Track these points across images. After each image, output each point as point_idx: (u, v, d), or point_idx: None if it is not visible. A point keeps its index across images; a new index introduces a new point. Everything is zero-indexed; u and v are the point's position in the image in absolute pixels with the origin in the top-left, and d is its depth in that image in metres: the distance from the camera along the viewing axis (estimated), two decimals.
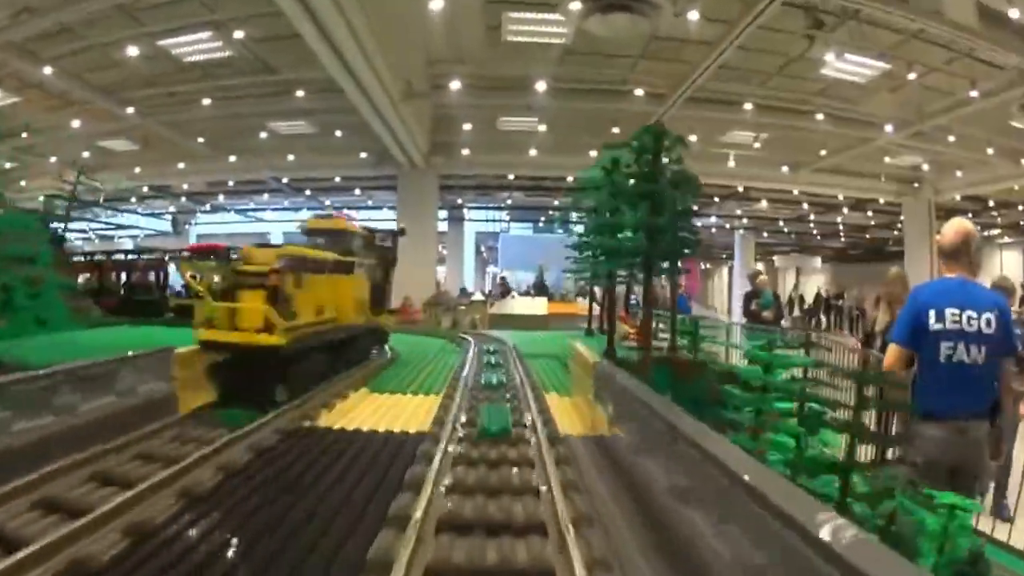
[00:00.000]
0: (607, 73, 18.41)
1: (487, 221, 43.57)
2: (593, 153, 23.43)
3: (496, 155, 24.97)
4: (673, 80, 18.07)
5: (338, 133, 22.95)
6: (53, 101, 19.79)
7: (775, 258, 51.55)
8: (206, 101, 19.68)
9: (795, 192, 30.54)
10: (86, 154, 25.23)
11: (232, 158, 25.93)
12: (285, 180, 30.80)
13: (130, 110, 20.16)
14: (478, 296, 16.25)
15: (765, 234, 45.05)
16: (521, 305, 13.56)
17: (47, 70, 16.83)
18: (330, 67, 14.92)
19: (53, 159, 25.74)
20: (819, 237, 46.37)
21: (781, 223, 41.87)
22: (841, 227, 41.64)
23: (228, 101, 19.95)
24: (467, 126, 22.33)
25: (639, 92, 18.51)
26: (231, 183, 31.76)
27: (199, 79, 18.51)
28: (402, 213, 25.28)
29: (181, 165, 26.78)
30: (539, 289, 29.97)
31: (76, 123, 21.29)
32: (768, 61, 17.25)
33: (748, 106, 19.61)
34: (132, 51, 16.04)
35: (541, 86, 18.32)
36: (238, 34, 15.48)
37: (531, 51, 16.62)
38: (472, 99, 19.35)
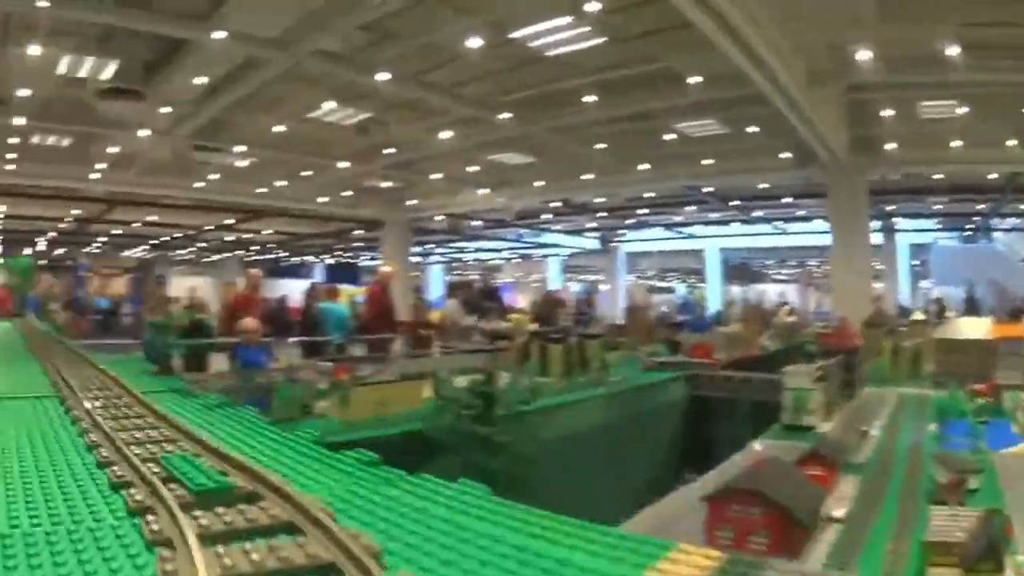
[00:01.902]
0: None
1: (918, 231, 39.18)
2: (1011, 143, 19.58)
3: (919, 150, 21.27)
4: None
5: (750, 130, 20.39)
6: (414, 113, 19.59)
7: None
8: (588, 99, 18.11)
9: None
10: (475, 169, 25.14)
11: (643, 167, 24.40)
12: (706, 190, 28.46)
13: (503, 116, 19.28)
14: (918, 316, 13.84)
15: None
16: (963, 327, 11.05)
17: (383, 76, 16.26)
18: (729, 51, 12.90)
19: (437, 176, 26.00)
20: None
21: None
22: None
23: (615, 99, 18.21)
24: (886, 112, 18.84)
25: None
26: (648, 195, 29.96)
27: (571, 75, 16.95)
28: (835, 224, 22.75)
29: (587, 177, 25.74)
30: (969, 306, 26.23)
31: (447, 135, 20.91)
32: None
33: None
34: (474, 43, 14.64)
35: (953, 51, 14.54)
36: (600, 12, 13.29)
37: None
38: (886, 78, 16.27)
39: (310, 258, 52.05)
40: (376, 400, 8.14)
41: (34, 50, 14.17)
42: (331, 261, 51.55)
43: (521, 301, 34.41)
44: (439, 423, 7.51)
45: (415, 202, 31.31)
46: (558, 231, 40.35)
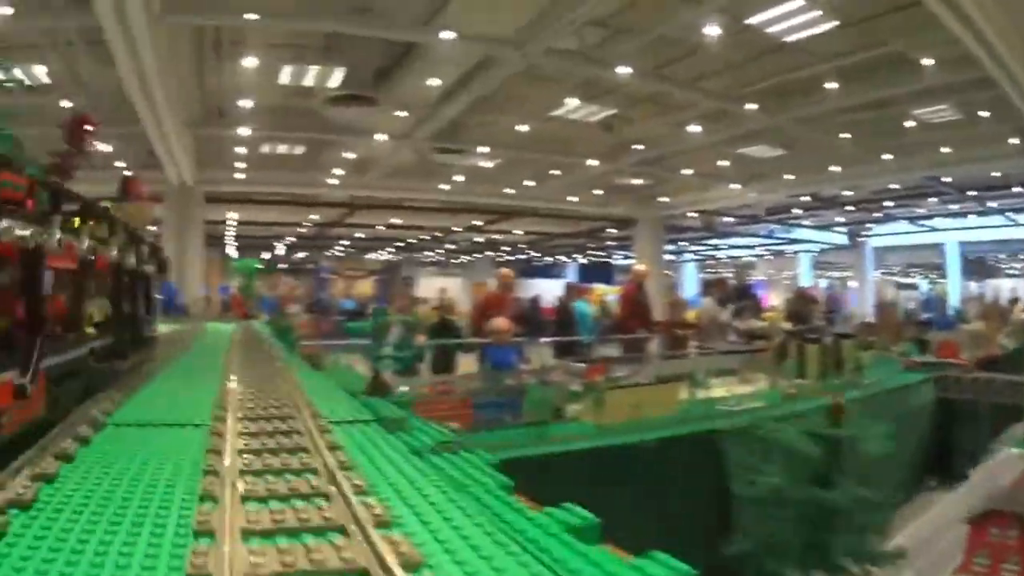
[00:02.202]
0: None
1: None
2: None
3: None
4: None
5: (981, 115, 18.86)
6: (659, 107, 19.29)
7: None
8: (829, 86, 17.22)
9: None
10: (724, 163, 24.63)
11: (886, 156, 23.04)
12: (944, 180, 26.66)
13: (749, 107, 18.58)
14: None
15: None
16: None
17: (623, 70, 15.98)
18: (951, 26, 11.93)
19: (687, 172, 25.55)
20: None
21: None
22: None
23: (854, 86, 17.22)
24: None
25: None
26: (891, 186, 28.48)
27: (809, 62, 16.20)
28: None
29: (833, 169, 24.74)
30: None
31: (695, 129, 20.44)
32: None
33: None
34: (711, 31, 14.23)
35: None
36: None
37: None
38: None
39: (562, 258, 52.60)
40: (631, 403, 7.95)
41: (250, 62, 14.86)
42: (584, 260, 51.94)
43: (773, 298, 33.43)
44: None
45: (666, 199, 30.99)
46: (806, 226, 39.09)
